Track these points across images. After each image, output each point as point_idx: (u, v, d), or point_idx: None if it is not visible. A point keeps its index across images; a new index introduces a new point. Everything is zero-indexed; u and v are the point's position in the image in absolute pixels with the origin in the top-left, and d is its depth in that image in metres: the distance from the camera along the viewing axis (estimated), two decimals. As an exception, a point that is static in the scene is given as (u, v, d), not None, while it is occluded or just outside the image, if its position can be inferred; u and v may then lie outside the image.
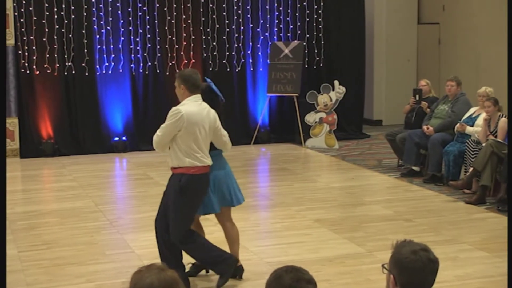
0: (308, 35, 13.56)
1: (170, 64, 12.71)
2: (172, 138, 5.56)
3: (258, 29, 13.26)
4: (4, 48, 4.76)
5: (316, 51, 13.63)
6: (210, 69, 12.94)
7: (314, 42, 13.60)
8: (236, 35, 13.12)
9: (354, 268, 6.24)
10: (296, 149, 12.66)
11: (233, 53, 13.11)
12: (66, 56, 12.17)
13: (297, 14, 13.47)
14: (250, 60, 13.27)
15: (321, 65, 13.69)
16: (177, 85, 5.61)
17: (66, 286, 5.84)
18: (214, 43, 12.96)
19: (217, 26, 12.95)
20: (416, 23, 14.84)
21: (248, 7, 13.13)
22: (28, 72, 11.97)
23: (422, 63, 14.80)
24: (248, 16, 13.14)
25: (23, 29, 11.90)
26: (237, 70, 13.18)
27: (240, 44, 13.15)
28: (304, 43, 13.35)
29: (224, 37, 12.99)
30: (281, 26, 13.41)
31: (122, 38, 12.45)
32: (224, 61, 13.04)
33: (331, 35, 13.69)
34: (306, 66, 13.51)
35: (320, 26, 13.60)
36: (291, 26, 13.48)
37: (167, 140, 5.56)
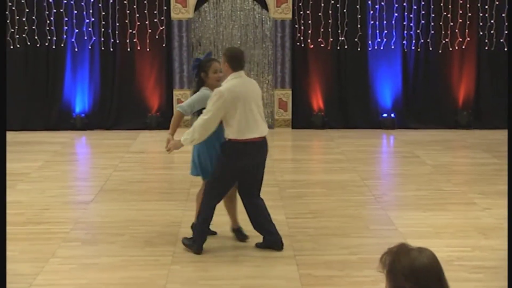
0: None
1: (444, 42, 12.42)
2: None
3: (541, 7, 12.47)
4: (4, 47, 4.97)
5: None
6: (486, 48, 12.45)
7: None
8: (517, 12, 12.46)
9: None
10: None
11: (512, 32, 12.48)
12: (339, 31, 12.41)
13: None
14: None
15: None
16: (222, 62, 5.70)
17: (330, 255, 5.99)
18: (492, 21, 12.41)
19: (496, 3, 12.38)
20: None
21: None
22: (302, 45, 12.40)
23: None
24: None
25: (300, 4, 12.34)
26: (515, 50, 12.53)
27: (520, 23, 12.47)
28: None
29: (503, 15, 12.39)
30: None
31: (396, 14, 12.39)
32: (501, 40, 12.46)
33: None
34: None
35: None
36: None
37: (214, 124, 5.55)
